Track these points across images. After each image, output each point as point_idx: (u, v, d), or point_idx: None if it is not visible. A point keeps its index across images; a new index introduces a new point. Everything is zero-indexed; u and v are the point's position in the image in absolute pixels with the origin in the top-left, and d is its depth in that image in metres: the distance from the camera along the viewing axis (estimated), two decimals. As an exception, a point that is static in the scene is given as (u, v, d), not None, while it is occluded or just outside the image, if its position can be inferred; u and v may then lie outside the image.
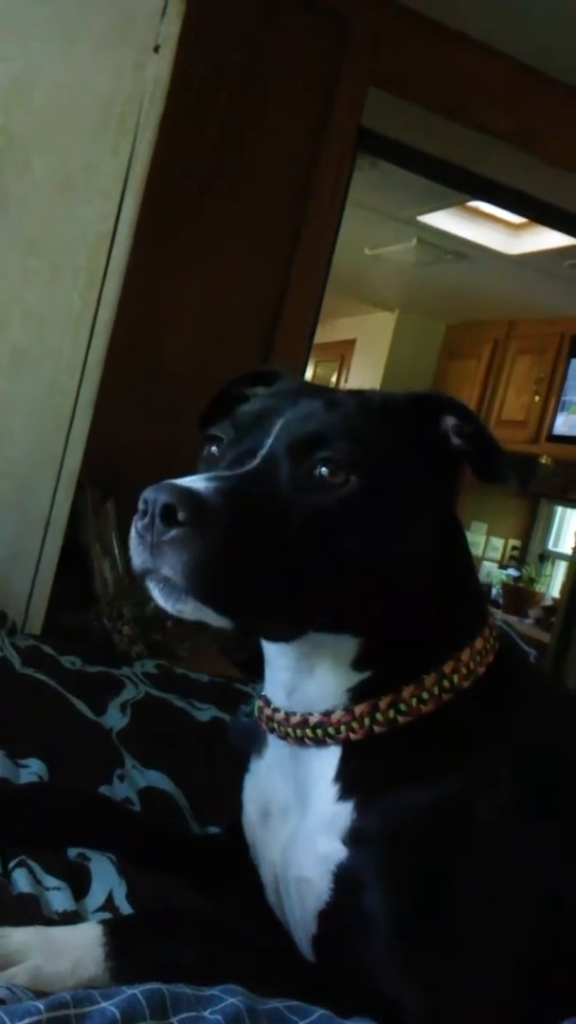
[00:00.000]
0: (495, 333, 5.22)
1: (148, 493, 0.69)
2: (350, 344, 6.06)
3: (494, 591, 4.91)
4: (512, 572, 5.05)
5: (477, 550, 5.23)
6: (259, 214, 2.34)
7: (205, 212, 2.28)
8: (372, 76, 2.35)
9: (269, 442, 0.75)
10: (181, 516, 0.67)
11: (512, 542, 5.34)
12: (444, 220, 3.79)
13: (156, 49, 1.65)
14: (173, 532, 0.67)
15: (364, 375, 5.79)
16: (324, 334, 5.73)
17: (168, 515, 0.67)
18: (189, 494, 0.67)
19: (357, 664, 0.80)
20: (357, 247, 4.22)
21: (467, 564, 0.89)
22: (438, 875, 0.75)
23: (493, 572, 5.13)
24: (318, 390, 0.85)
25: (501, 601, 4.74)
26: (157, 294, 2.21)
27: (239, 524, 0.69)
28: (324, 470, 0.73)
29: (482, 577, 5.17)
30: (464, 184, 2.91)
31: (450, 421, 0.81)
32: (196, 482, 0.69)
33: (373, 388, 0.88)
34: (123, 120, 1.64)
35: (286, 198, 2.36)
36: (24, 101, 1.58)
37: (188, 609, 0.70)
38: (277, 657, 0.84)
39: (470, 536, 5.18)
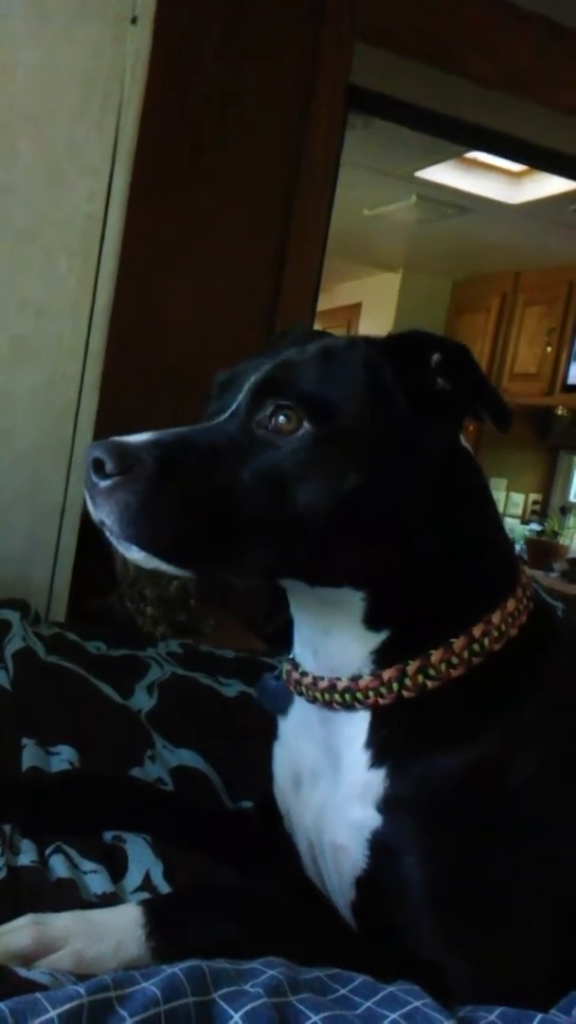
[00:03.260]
0: (502, 286, 5.15)
1: (87, 449, 0.72)
2: (356, 308, 6.00)
3: (518, 547, 4.88)
4: (535, 526, 5.01)
5: (498, 507, 5.18)
6: (252, 182, 2.31)
7: (197, 184, 2.25)
8: (356, 30, 2.30)
9: (240, 396, 0.76)
10: (108, 467, 0.71)
11: (533, 496, 5.30)
12: (443, 174, 3.72)
13: (134, 21, 1.61)
14: (104, 483, 0.71)
15: (373, 338, 5.72)
16: (329, 299, 5.69)
17: (99, 467, 0.71)
18: (117, 447, 0.71)
19: (370, 622, 0.79)
20: (356, 208, 4.16)
21: (489, 517, 0.85)
22: (475, 838, 0.75)
23: (515, 528, 5.10)
24: (311, 337, 0.84)
25: (525, 556, 4.71)
26: (155, 271, 2.19)
27: (170, 473, 0.71)
28: (282, 418, 0.73)
29: (505, 533, 5.14)
30: (461, 135, 2.86)
31: (435, 359, 0.77)
32: (135, 437, 0.73)
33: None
34: (106, 96, 1.61)
35: (279, 163, 2.33)
36: (2, 85, 1.55)
37: (138, 557, 0.73)
38: (297, 613, 0.84)
39: (490, 493, 5.13)
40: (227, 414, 0.76)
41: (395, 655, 0.79)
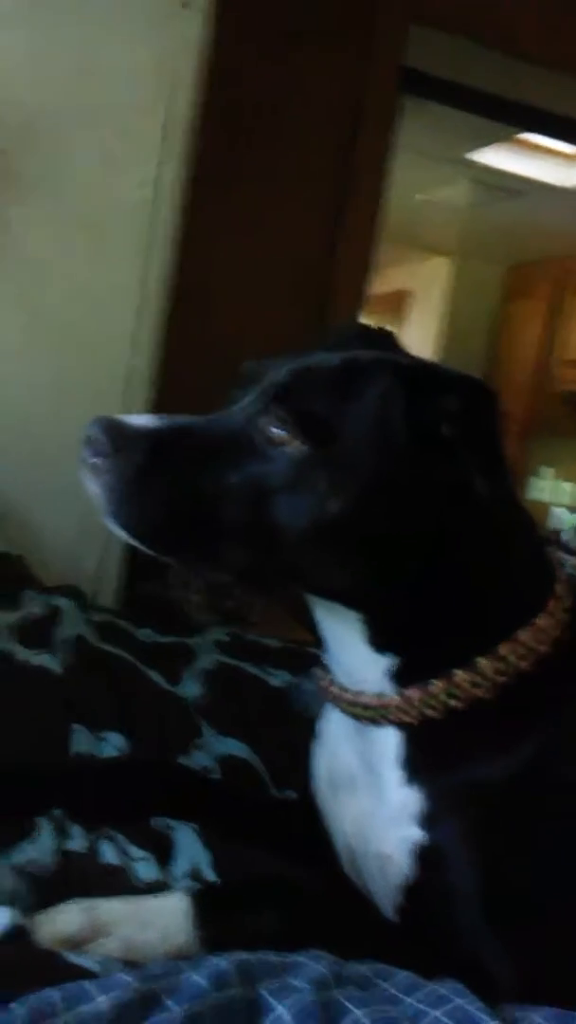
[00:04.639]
0: (555, 271, 5.05)
1: (89, 421, 0.73)
2: (406, 294, 5.93)
3: (566, 535, 4.79)
4: (584, 516, 4.93)
5: (545, 495, 5.12)
6: (305, 167, 2.29)
7: (250, 170, 2.24)
8: (411, 11, 2.26)
9: (254, 394, 0.75)
10: (99, 447, 0.71)
11: (583, 485, 5.22)
12: (496, 157, 3.66)
13: (184, 5, 1.61)
14: (94, 460, 0.72)
15: (422, 325, 5.67)
16: (378, 285, 5.61)
17: (93, 443, 0.72)
18: (113, 427, 0.72)
19: (374, 645, 0.78)
20: (407, 192, 4.11)
21: (521, 536, 0.83)
22: (518, 844, 0.74)
23: (565, 517, 5.02)
24: (351, 342, 0.82)
25: (573, 546, 4.63)
26: (207, 257, 2.19)
27: (159, 462, 0.71)
28: (279, 430, 0.72)
29: (553, 523, 5.07)
30: (515, 117, 2.81)
31: (448, 402, 0.72)
32: (138, 418, 0.73)
33: (423, 356, 0.80)
34: (158, 83, 1.61)
35: (332, 149, 2.31)
36: (52, 74, 1.56)
37: (122, 534, 0.74)
38: (317, 617, 0.83)
39: (537, 482, 5.07)
40: (237, 410, 0.76)
41: (414, 674, 0.77)
